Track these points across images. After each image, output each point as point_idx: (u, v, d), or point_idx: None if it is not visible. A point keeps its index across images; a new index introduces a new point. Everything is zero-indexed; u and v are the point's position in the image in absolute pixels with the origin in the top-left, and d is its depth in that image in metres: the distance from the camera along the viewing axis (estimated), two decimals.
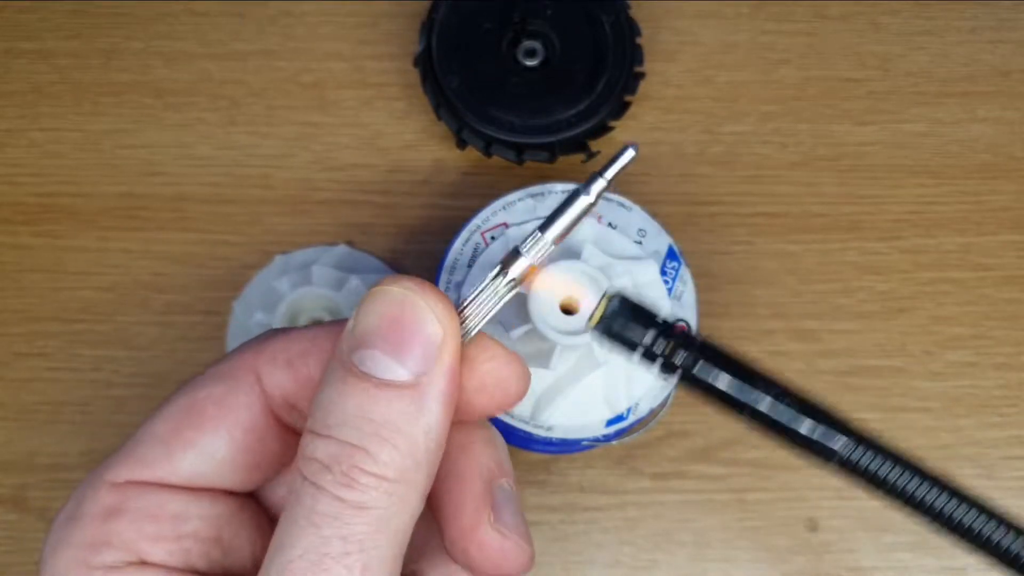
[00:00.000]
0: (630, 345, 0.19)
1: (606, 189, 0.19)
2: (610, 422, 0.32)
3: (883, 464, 0.19)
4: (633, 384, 0.32)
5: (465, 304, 0.20)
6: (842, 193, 0.41)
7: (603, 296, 0.20)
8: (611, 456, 0.38)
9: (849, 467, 0.19)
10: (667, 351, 0.19)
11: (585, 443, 0.33)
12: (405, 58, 0.41)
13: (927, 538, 0.37)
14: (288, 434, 0.22)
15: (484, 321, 0.20)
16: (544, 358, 0.31)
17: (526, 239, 0.19)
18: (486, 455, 0.21)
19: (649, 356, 0.20)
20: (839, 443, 0.19)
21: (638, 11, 0.40)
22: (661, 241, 0.34)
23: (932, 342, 0.39)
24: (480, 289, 0.20)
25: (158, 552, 0.20)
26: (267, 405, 0.21)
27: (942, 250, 0.40)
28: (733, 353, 0.20)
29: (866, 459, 0.19)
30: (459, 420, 0.21)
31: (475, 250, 0.34)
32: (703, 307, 0.34)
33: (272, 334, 0.22)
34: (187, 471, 0.21)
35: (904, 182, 0.41)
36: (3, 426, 0.38)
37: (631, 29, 0.40)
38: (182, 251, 0.40)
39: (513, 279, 0.20)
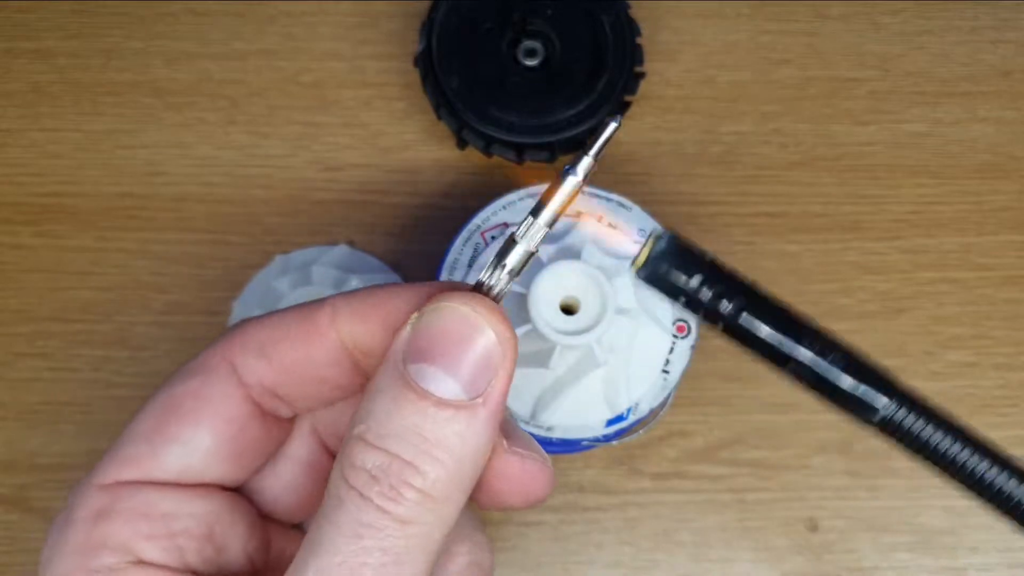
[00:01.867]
0: (674, 292, 0.18)
1: (593, 167, 0.19)
2: (610, 422, 0.32)
3: (926, 426, 0.18)
4: (633, 384, 0.32)
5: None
6: (842, 193, 0.41)
7: (650, 236, 0.19)
8: (611, 456, 0.38)
9: (891, 428, 0.18)
10: (712, 300, 0.18)
11: (585, 443, 0.33)
12: (405, 58, 0.41)
13: (927, 538, 0.37)
14: (270, 421, 0.22)
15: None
16: (544, 358, 0.31)
17: (520, 224, 0.19)
18: None
19: (692, 305, 0.18)
20: (882, 402, 0.18)
21: (638, 11, 0.40)
22: None
23: (932, 342, 0.39)
24: (481, 278, 0.20)
25: (153, 551, 0.20)
26: (246, 394, 0.21)
27: (942, 250, 0.40)
28: (781, 305, 0.19)
29: (909, 420, 0.18)
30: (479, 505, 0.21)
31: (475, 250, 0.34)
32: None
33: (243, 323, 0.22)
34: (174, 466, 0.21)
35: (904, 182, 0.41)
36: (4, 426, 0.38)
37: (631, 29, 0.40)
38: (182, 251, 0.40)
39: (512, 267, 0.19)
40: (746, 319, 0.18)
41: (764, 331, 0.18)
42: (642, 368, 0.32)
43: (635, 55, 0.40)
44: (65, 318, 0.39)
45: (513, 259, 0.19)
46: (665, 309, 0.32)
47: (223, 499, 0.22)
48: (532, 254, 0.19)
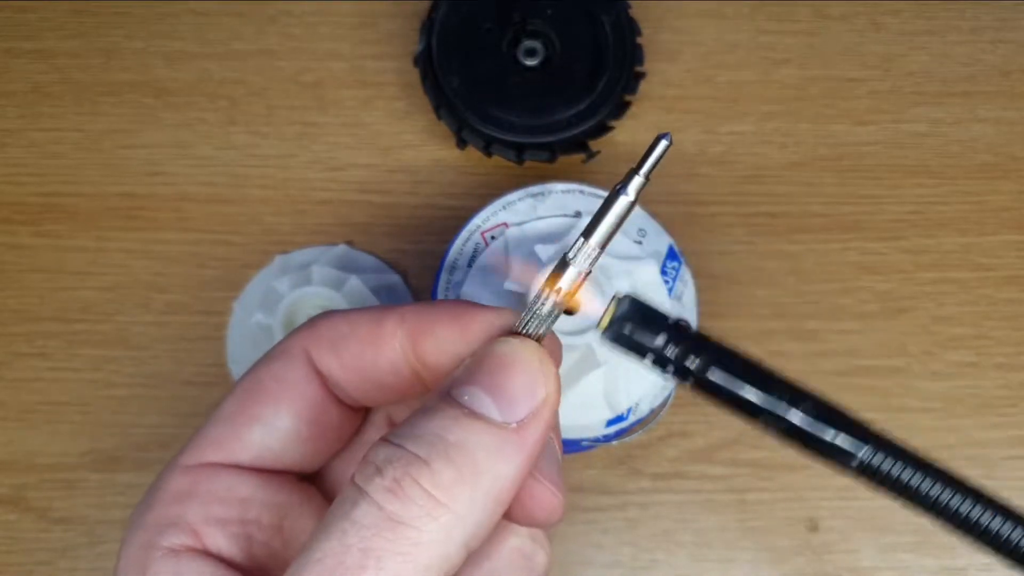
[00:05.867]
0: (641, 351, 0.19)
1: (645, 186, 0.18)
2: (610, 422, 0.32)
3: (903, 469, 0.18)
4: (633, 384, 0.32)
5: (525, 319, 0.20)
6: (842, 193, 0.41)
7: (612, 299, 0.19)
8: (611, 456, 0.38)
9: (869, 473, 0.18)
10: (679, 356, 0.18)
11: (585, 443, 0.33)
12: (405, 58, 0.41)
13: (927, 538, 0.37)
14: (345, 409, 0.22)
15: (546, 331, 0.20)
16: None
17: (572, 247, 0.19)
18: None
19: (660, 362, 0.19)
20: (861, 450, 0.18)
21: (638, 11, 0.40)
22: (661, 241, 0.34)
23: (932, 342, 0.39)
24: (533, 302, 0.20)
25: (220, 538, 0.20)
26: (323, 380, 0.22)
27: (942, 250, 0.40)
28: (749, 358, 0.19)
29: (886, 464, 0.18)
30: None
31: (475, 250, 0.34)
32: (703, 307, 0.34)
33: (322, 316, 0.22)
34: (255, 446, 0.21)
35: (904, 182, 0.41)
36: (3, 426, 0.38)
37: (631, 29, 0.40)
38: (182, 251, 0.40)
39: (561, 287, 0.19)
40: (715, 373, 0.18)
41: (734, 385, 0.18)
42: (642, 368, 0.32)
43: (635, 55, 0.40)
44: (65, 318, 0.39)
45: (566, 281, 0.19)
46: (665, 309, 0.32)
47: (298, 492, 0.22)
48: (586, 275, 0.19)
